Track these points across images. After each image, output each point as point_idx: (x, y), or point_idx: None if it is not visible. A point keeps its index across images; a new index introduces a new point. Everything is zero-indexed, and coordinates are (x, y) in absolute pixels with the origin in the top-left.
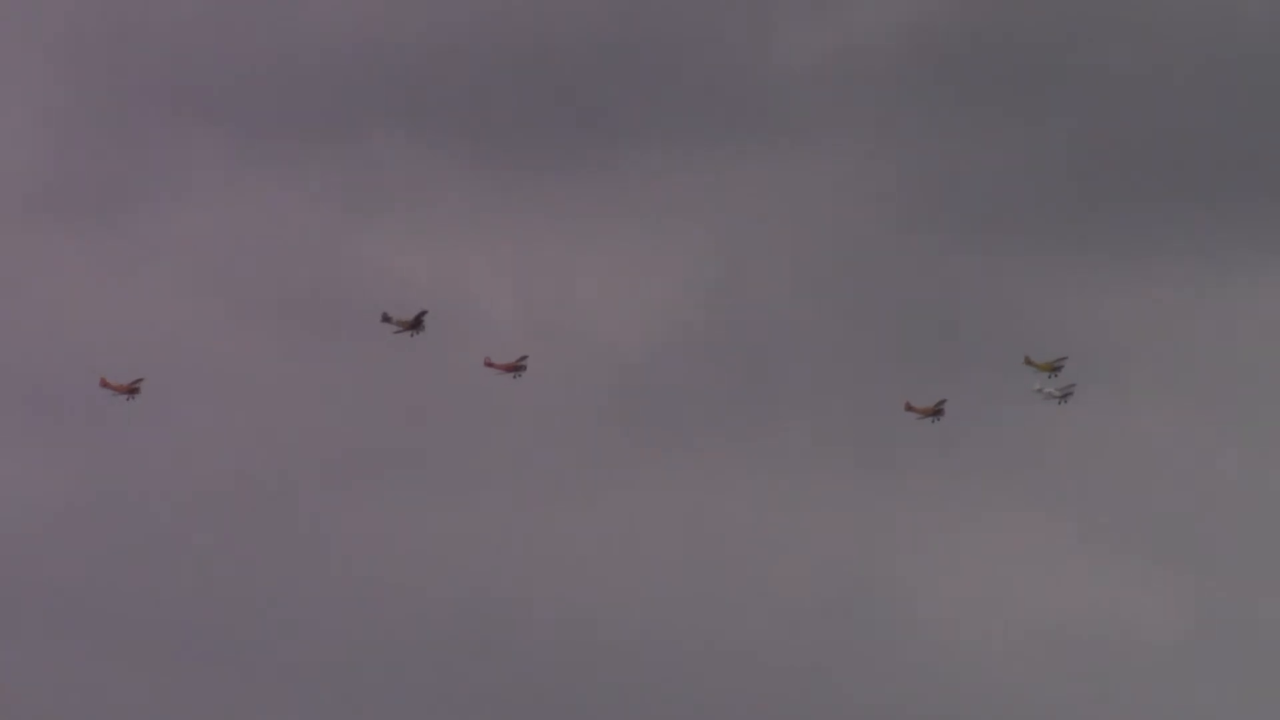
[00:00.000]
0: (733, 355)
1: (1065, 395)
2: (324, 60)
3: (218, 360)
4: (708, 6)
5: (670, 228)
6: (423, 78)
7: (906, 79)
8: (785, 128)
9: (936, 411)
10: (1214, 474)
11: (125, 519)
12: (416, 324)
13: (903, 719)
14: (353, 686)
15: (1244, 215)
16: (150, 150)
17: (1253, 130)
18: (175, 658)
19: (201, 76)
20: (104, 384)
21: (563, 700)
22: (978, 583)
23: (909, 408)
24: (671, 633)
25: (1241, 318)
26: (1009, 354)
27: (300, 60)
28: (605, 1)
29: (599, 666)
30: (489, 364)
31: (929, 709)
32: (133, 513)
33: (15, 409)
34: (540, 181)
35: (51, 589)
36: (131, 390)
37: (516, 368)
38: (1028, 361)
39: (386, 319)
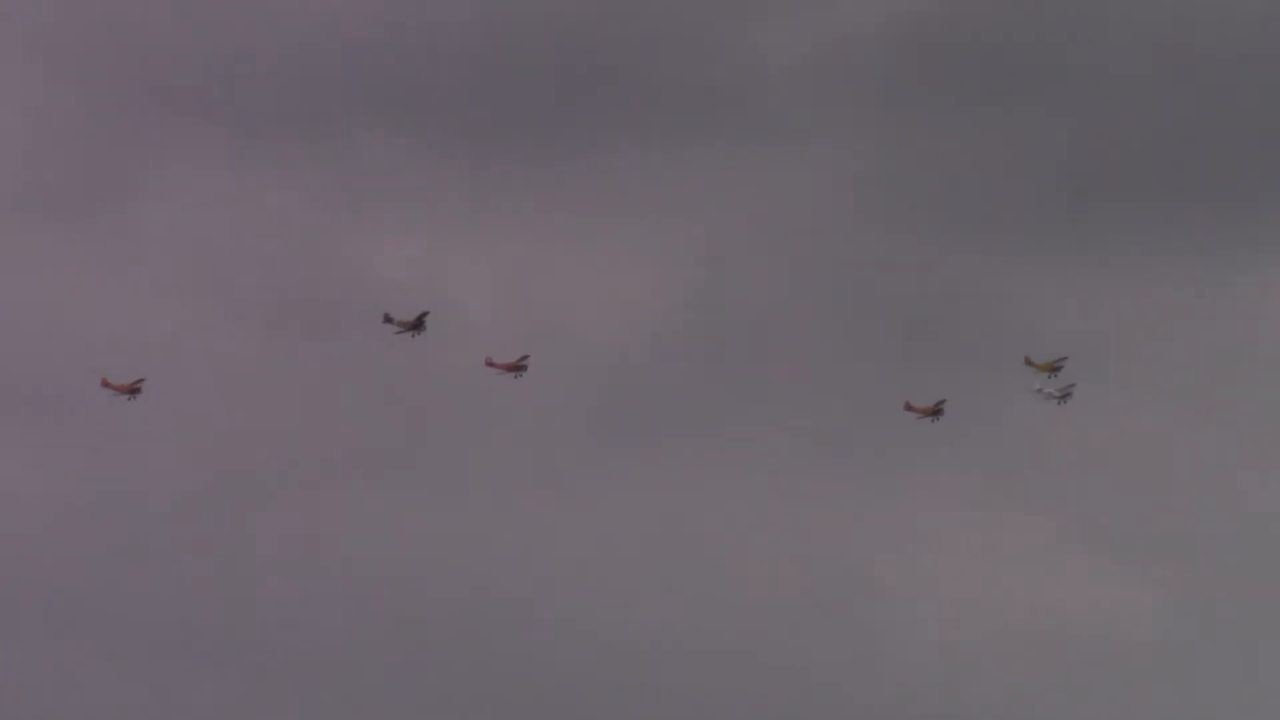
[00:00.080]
0: (732, 355)
1: (1065, 395)
2: (322, 59)
3: (217, 360)
4: (704, 6)
5: (667, 227)
6: (421, 77)
7: (905, 79)
8: (783, 128)
9: (936, 411)
10: (1214, 474)
11: (125, 519)
12: (418, 325)
13: (901, 719)
14: (352, 686)
15: (1244, 215)
16: (147, 149)
17: (1253, 130)
18: (175, 658)
19: (199, 76)
20: (105, 384)
21: (562, 700)
22: (976, 582)
23: (909, 408)
24: (670, 632)
25: (1241, 318)
26: (1009, 354)
27: (298, 59)
28: (602, 1)
29: (598, 666)
30: (490, 364)
31: (928, 709)
32: (133, 513)
33: (15, 409)
34: (537, 181)
35: (51, 589)
36: (133, 390)
37: (518, 367)
38: (1028, 361)
39: (388, 320)
